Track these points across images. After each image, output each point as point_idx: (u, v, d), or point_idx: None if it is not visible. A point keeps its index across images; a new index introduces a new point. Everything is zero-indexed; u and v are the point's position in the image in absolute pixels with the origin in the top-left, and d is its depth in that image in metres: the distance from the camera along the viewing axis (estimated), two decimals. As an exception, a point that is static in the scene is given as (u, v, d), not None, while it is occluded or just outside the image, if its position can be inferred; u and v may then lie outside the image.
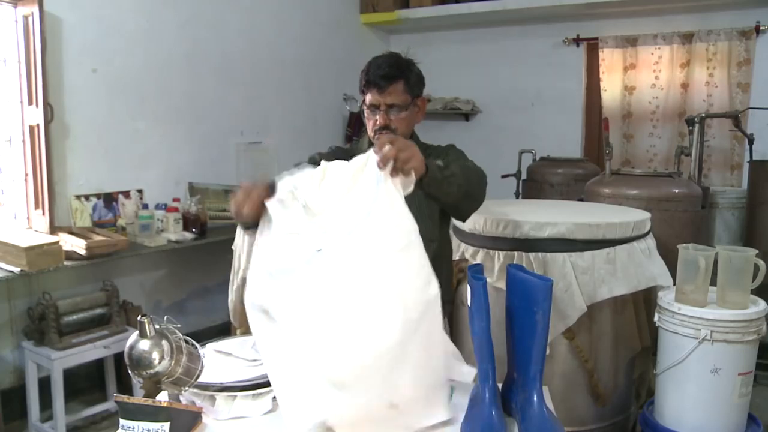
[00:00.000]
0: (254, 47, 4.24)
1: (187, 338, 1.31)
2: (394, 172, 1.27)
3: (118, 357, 3.04)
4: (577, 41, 5.10)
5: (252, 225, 1.35)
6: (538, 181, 4.38)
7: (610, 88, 5.00)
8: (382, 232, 1.24)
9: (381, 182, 1.26)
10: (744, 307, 2.13)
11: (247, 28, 4.26)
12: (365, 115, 1.85)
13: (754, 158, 3.99)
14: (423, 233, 1.31)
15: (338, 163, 1.32)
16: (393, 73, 1.79)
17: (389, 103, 1.78)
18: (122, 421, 1.19)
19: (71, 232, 3.10)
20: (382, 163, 1.26)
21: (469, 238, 2.43)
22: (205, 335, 1.60)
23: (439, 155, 1.76)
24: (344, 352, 1.20)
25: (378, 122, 1.79)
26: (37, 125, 3.08)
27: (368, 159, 1.29)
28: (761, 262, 2.15)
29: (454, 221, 2.41)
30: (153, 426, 1.18)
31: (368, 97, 1.81)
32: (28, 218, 3.23)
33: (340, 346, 1.20)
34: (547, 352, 2.21)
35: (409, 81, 1.81)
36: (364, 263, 1.23)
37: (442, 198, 1.57)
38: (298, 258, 1.25)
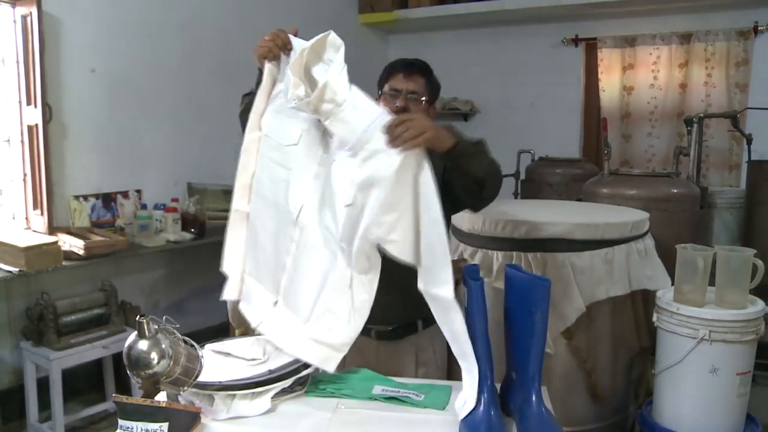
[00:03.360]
0: (252, 47, 4.23)
1: (186, 338, 1.31)
2: (400, 146, 1.35)
3: (117, 357, 3.04)
4: (576, 41, 5.11)
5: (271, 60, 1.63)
6: (536, 181, 4.38)
7: (609, 88, 5.01)
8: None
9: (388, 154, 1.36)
10: (742, 307, 2.13)
11: (245, 28, 4.25)
12: (380, 104, 1.86)
13: (752, 158, 4.00)
14: None
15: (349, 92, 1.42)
16: (420, 66, 1.87)
17: (411, 90, 1.82)
18: (121, 422, 1.19)
19: (70, 233, 3.10)
20: (391, 139, 1.35)
21: (467, 238, 2.43)
22: (203, 335, 1.61)
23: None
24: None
25: (398, 104, 1.81)
26: (36, 125, 3.08)
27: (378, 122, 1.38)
28: (759, 262, 2.15)
29: (453, 222, 2.40)
30: (152, 426, 1.18)
31: (390, 83, 1.85)
32: (26, 218, 3.23)
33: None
34: (552, 351, 2.23)
35: (430, 82, 1.88)
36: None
37: (472, 170, 1.57)
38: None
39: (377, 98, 1.90)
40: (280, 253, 1.61)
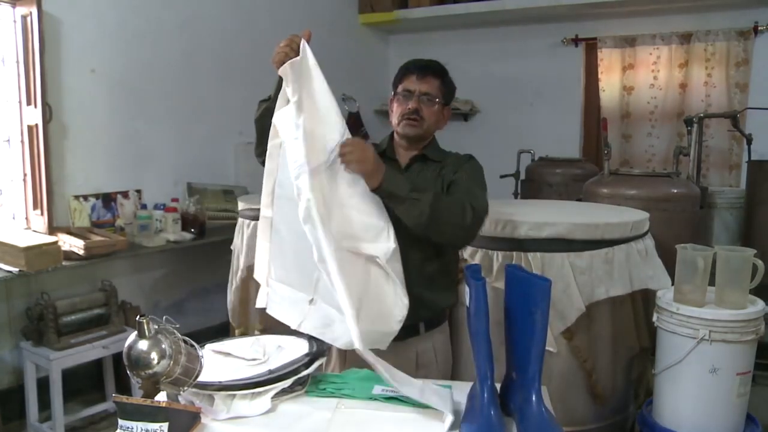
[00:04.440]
0: (252, 47, 4.23)
1: (186, 338, 1.31)
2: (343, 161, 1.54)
3: (117, 357, 3.04)
4: (576, 41, 5.11)
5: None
6: (536, 181, 4.38)
7: (609, 88, 5.01)
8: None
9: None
10: (742, 307, 2.13)
11: (245, 28, 4.25)
12: (394, 105, 1.88)
13: (752, 158, 4.00)
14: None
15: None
16: (434, 68, 1.87)
17: (424, 91, 1.83)
18: (121, 422, 1.19)
19: (70, 233, 3.10)
20: (339, 153, 1.54)
21: (467, 238, 2.43)
22: (203, 335, 1.62)
23: (456, 165, 1.84)
24: None
25: (410, 106, 1.82)
26: (36, 125, 3.08)
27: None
28: (759, 262, 2.15)
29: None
30: (152, 426, 1.18)
31: (403, 84, 1.85)
32: (26, 218, 3.23)
33: None
34: (555, 349, 2.23)
35: (444, 83, 1.88)
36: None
37: (400, 215, 1.61)
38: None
39: (391, 99, 1.90)
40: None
